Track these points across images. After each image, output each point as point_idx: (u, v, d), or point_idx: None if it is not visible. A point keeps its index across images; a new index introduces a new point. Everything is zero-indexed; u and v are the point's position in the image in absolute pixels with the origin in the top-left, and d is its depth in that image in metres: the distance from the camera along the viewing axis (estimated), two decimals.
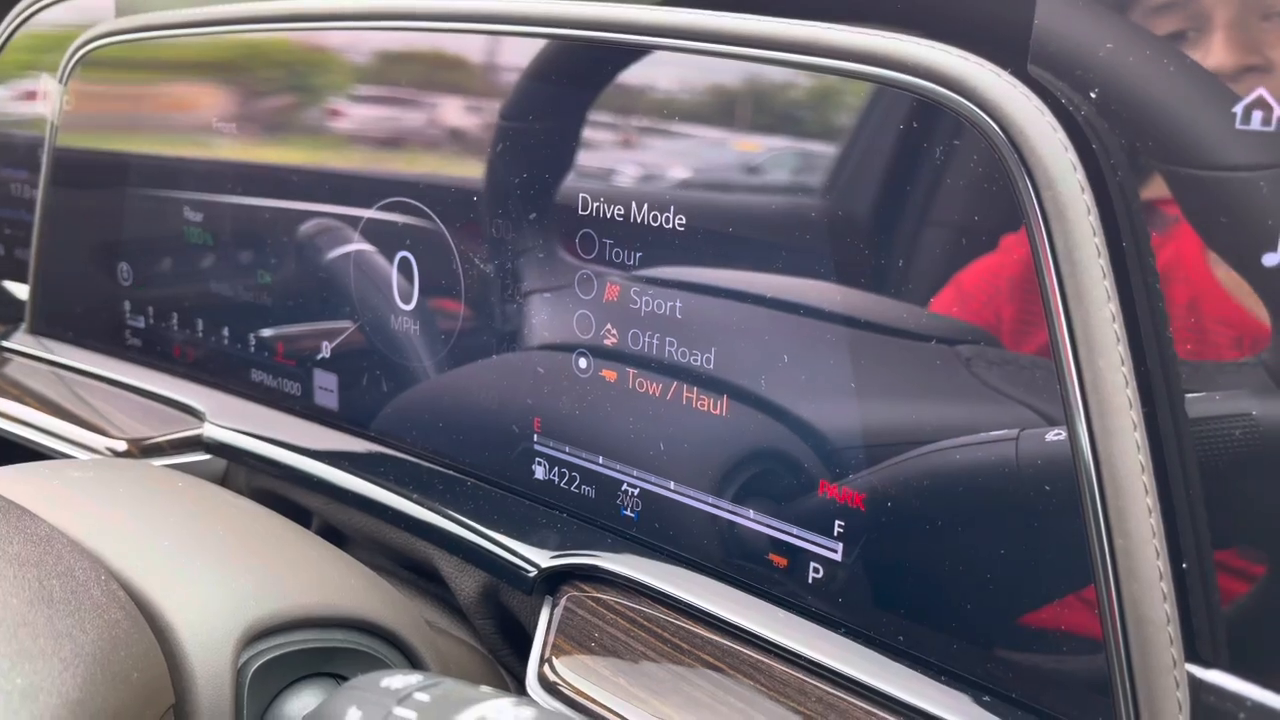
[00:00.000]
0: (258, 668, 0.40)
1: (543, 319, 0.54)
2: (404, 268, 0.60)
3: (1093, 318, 0.36)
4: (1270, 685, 0.36)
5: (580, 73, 0.51)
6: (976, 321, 0.40)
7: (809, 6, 0.44)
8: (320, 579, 0.45)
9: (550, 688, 0.45)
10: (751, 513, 0.47)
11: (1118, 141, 0.37)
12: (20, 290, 0.87)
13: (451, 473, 0.60)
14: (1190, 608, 0.37)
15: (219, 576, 0.42)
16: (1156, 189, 0.36)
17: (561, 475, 0.55)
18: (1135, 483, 0.36)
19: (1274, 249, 0.34)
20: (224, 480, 0.70)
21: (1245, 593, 0.36)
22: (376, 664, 0.44)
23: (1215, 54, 0.35)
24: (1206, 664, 0.36)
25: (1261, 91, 0.34)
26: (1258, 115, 0.34)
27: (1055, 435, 0.38)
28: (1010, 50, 0.38)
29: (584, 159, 0.51)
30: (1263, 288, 0.35)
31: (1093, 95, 0.37)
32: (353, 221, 0.62)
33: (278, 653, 0.41)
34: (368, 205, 0.61)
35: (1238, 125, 0.34)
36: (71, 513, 0.45)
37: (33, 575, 0.36)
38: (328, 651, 0.42)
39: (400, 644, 0.45)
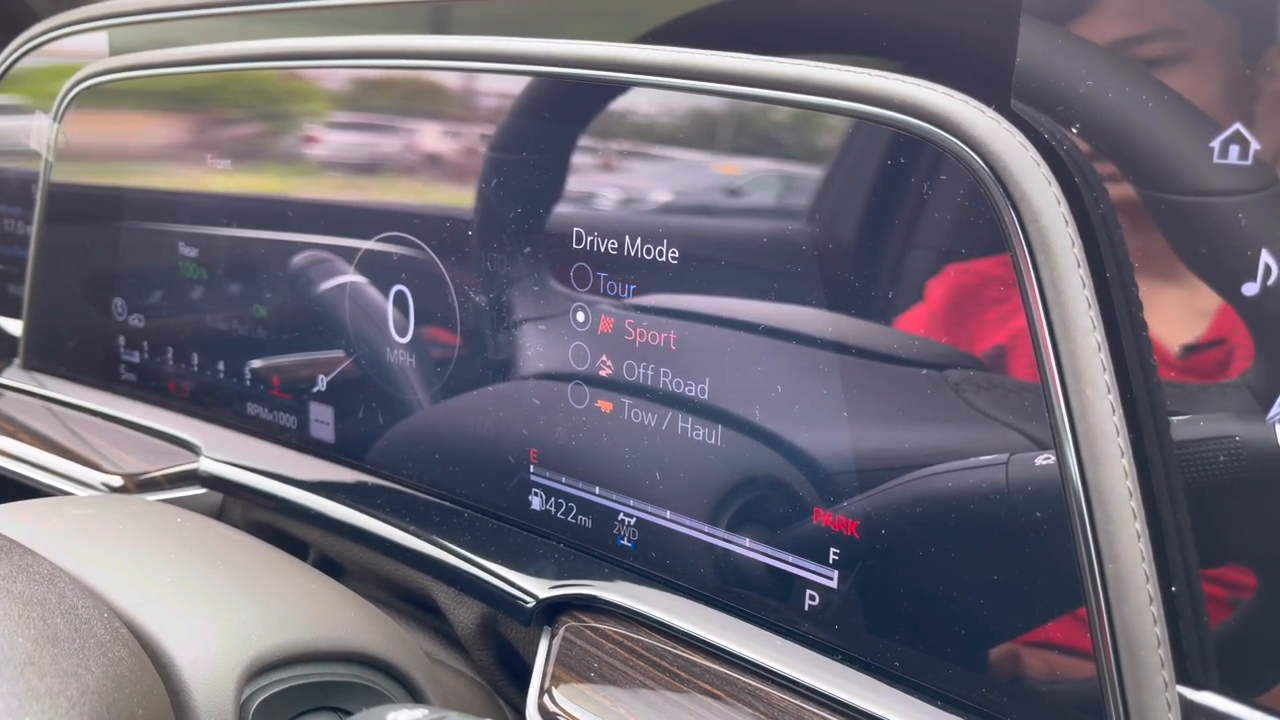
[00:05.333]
0: (260, 703, 0.40)
1: (538, 351, 0.55)
2: (399, 301, 0.61)
3: (1079, 346, 0.37)
4: (1260, 706, 0.36)
5: (573, 108, 0.52)
6: (964, 348, 0.41)
7: (799, 45, 0.45)
8: (321, 613, 0.45)
9: (550, 718, 0.46)
10: (747, 541, 0.48)
11: (1099, 174, 0.38)
12: (13, 326, 0.88)
13: (448, 504, 0.60)
14: (1180, 630, 0.37)
15: (220, 612, 0.43)
16: (1138, 219, 0.37)
17: (558, 505, 0.55)
18: (1124, 508, 0.36)
19: (1253, 274, 0.35)
20: (220, 514, 0.70)
21: (1234, 614, 0.37)
22: (378, 697, 0.44)
23: (1193, 88, 0.36)
24: (1198, 686, 0.37)
25: (1238, 126, 0.35)
26: (1234, 150, 0.35)
27: (1044, 460, 0.39)
28: (994, 87, 0.39)
29: (577, 191, 0.52)
30: (1243, 312, 0.36)
31: (1074, 130, 0.38)
32: (348, 255, 0.63)
33: (280, 687, 0.41)
34: (363, 239, 0.62)
35: (1215, 160, 0.35)
36: (73, 550, 0.45)
37: (37, 614, 0.36)
38: (330, 686, 0.43)
39: (401, 677, 0.45)
